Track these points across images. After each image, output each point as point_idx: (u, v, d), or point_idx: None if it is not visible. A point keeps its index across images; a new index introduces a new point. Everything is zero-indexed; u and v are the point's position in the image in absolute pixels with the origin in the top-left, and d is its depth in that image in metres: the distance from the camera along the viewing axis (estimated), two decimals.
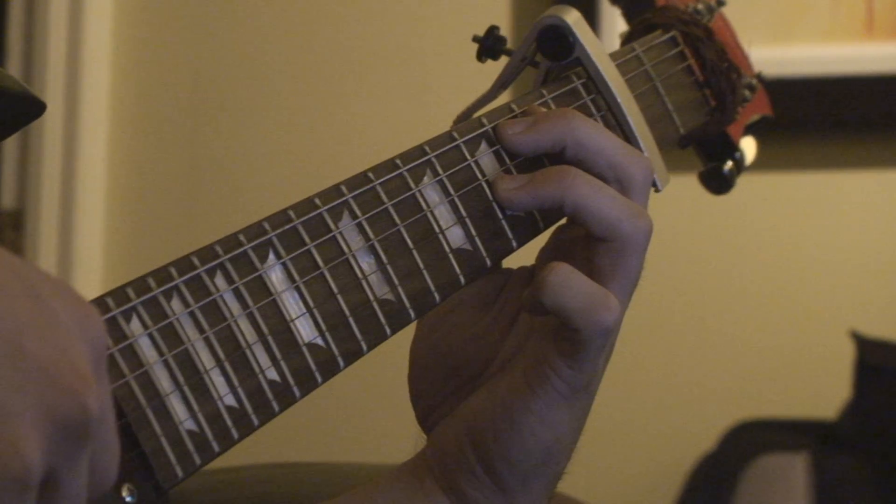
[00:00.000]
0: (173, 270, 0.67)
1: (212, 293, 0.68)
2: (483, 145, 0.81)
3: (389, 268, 0.75)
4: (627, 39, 0.97)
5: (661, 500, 2.11)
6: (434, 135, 0.80)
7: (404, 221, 0.77)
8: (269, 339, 0.70)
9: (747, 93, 1.00)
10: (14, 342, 0.52)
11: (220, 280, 0.68)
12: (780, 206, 2.24)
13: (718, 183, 1.01)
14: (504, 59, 0.89)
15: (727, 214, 2.22)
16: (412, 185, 0.78)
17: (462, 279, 0.79)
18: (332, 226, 0.74)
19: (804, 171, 2.24)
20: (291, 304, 0.71)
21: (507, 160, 0.82)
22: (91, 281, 2.38)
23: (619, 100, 0.87)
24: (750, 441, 2.00)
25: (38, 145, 2.40)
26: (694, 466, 2.05)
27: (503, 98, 0.88)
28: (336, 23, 2.41)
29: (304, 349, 0.71)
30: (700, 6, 0.99)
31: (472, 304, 0.86)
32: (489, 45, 0.89)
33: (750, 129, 1.03)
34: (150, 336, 0.65)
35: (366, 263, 0.75)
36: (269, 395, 0.69)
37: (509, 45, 0.90)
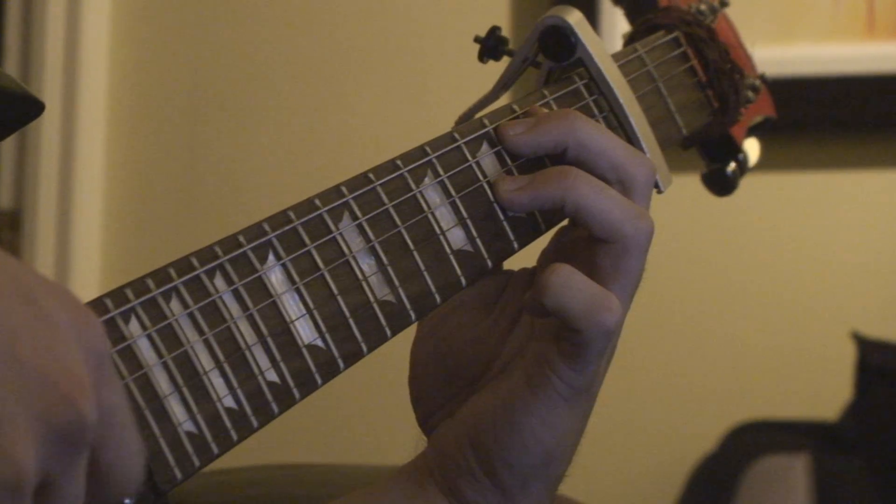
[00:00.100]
0: (172, 271, 0.67)
1: (211, 294, 0.68)
2: (484, 146, 0.81)
3: (390, 269, 0.75)
4: (630, 40, 0.96)
5: (662, 501, 2.11)
6: (435, 135, 0.80)
7: (405, 223, 0.77)
8: (269, 340, 0.69)
9: (750, 94, 1.00)
10: (9, 347, 0.52)
11: (219, 281, 0.68)
12: (781, 207, 2.24)
13: (721, 185, 1.01)
14: (505, 60, 0.89)
15: (727, 215, 2.22)
16: (413, 186, 0.77)
17: (463, 281, 0.79)
18: (333, 227, 0.74)
19: (805, 171, 2.24)
20: (291, 306, 0.71)
21: (509, 161, 0.82)
22: (89, 282, 2.37)
23: (621, 101, 0.87)
24: (750, 442, 2.00)
25: (36, 145, 2.40)
26: (694, 467, 2.05)
27: (504, 99, 0.88)
28: (335, 22, 2.41)
29: (304, 351, 0.71)
30: (703, 7, 0.99)
31: (473, 305, 0.85)
32: (491, 46, 0.89)
33: (753, 131, 1.02)
34: (149, 337, 0.65)
35: (366, 265, 0.74)
36: (269, 396, 0.69)
37: (510, 45, 0.90)
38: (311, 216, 0.73)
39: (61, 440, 0.53)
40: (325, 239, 0.73)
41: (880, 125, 2.22)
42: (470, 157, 0.80)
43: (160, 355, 0.65)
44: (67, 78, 2.40)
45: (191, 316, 0.66)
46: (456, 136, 0.80)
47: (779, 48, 2.19)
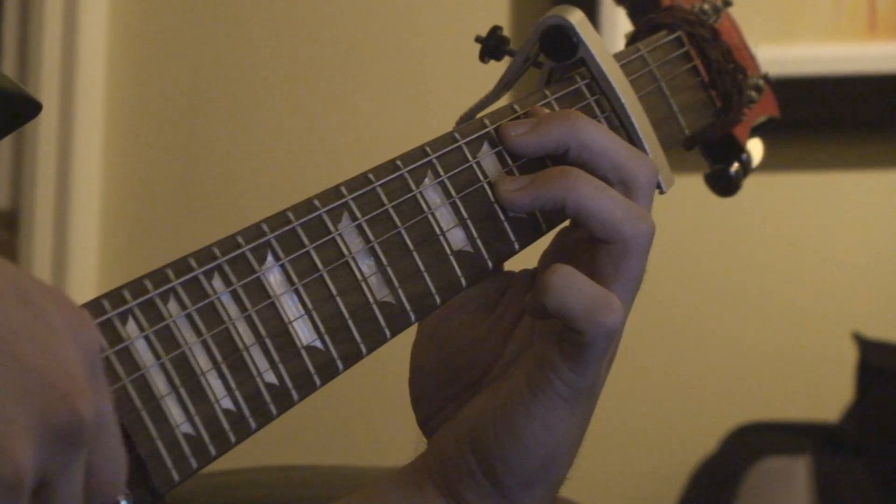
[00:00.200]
0: (170, 272, 0.66)
1: (209, 295, 0.67)
2: (485, 146, 0.81)
3: (389, 270, 0.75)
4: (632, 40, 0.96)
5: (663, 502, 2.11)
6: (434, 135, 0.80)
7: (405, 223, 0.76)
8: (267, 341, 0.69)
9: (753, 94, 0.99)
10: (6, 348, 0.52)
11: (217, 282, 0.68)
12: (782, 207, 2.23)
13: (725, 185, 1.01)
14: (506, 60, 0.89)
15: (728, 215, 2.22)
16: (413, 186, 0.77)
17: (463, 281, 0.78)
18: (332, 227, 0.73)
19: (806, 171, 2.24)
20: (290, 307, 0.71)
21: (510, 161, 0.81)
22: (86, 282, 2.37)
23: (623, 101, 0.87)
24: (751, 444, 1.99)
25: (33, 145, 2.39)
26: (695, 469, 2.04)
27: (505, 99, 0.87)
28: (335, 22, 2.41)
29: (303, 352, 0.71)
30: (706, 6, 0.99)
31: (473, 307, 0.85)
32: (492, 46, 0.89)
33: (757, 131, 1.02)
34: (147, 338, 0.64)
35: (365, 265, 0.74)
36: (267, 398, 0.69)
37: (511, 45, 0.89)
38: (310, 217, 0.73)
39: (59, 440, 0.53)
40: (324, 239, 0.73)
41: (882, 125, 2.22)
42: (470, 158, 0.80)
43: (158, 356, 0.65)
44: (65, 78, 2.40)
45: (189, 317, 0.66)
46: (456, 136, 0.80)
47: (780, 48, 2.19)
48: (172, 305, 0.66)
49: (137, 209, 2.45)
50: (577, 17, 0.85)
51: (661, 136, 0.89)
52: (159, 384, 0.64)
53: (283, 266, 0.71)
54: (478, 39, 0.89)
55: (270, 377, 0.69)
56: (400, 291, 0.75)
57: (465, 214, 0.79)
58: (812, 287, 2.21)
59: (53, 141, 2.39)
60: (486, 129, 0.81)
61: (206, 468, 0.67)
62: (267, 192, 2.37)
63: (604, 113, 0.87)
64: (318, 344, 0.71)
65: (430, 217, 0.77)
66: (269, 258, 0.70)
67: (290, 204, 0.73)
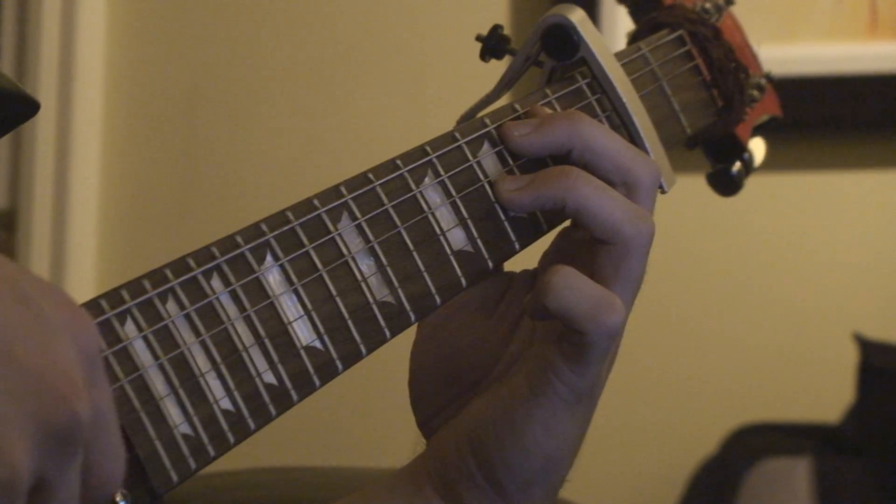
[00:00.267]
0: (169, 272, 0.66)
1: (208, 295, 0.67)
2: (485, 146, 0.80)
3: (389, 270, 0.75)
4: (634, 39, 0.96)
5: (663, 503, 2.10)
6: (434, 135, 0.80)
7: (405, 223, 0.76)
8: (267, 341, 0.69)
9: (756, 93, 0.99)
10: (3, 347, 0.52)
11: (216, 282, 0.68)
12: (783, 207, 2.23)
13: (727, 184, 1.01)
14: (507, 59, 0.89)
15: (728, 215, 2.22)
16: (413, 186, 0.77)
17: (463, 281, 0.78)
18: (332, 227, 0.73)
19: (807, 171, 2.24)
20: (289, 307, 0.70)
21: (510, 161, 0.81)
22: (84, 282, 2.37)
23: (624, 100, 0.86)
24: (752, 445, 1.99)
25: (31, 145, 2.39)
26: (696, 470, 2.04)
27: (506, 98, 0.87)
28: (334, 21, 2.41)
29: (302, 352, 0.70)
30: (708, 5, 0.98)
31: (473, 308, 0.85)
32: (493, 45, 0.89)
33: (759, 130, 1.02)
34: (145, 339, 0.64)
35: (365, 265, 0.74)
36: (266, 398, 0.69)
37: (511, 44, 0.89)
38: (309, 216, 0.72)
39: (56, 440, 0.53)
40: (323, 239, 0.73)
41: (882, 125, 2.21)
42: (471, 157, 0.80)
43: (156, 357, 0.64)
44: (63, 77, 2.40)
45: (187, 317, 0.66)
46: (457, 135, 0.80)
47: (780, 47, 2.18)
48: (171, 305, 0.66)
49: (136, 209, 2.44)
50: (578, 16, 0.85)
51: (662, 135, 0.89)
52: (158, 385, 0.64)
53: (282, 266, 0.70)
54: (479, 38, 0.89)
55: (269, 377, 0.69)
56: (400, 291, 0.75)
57: (465, 214, 0.78)
58: (813, 287, 2.20)
59: (51, 141, 2.38)
60: (487, 129, 0.81)
61: (205, 469, 0.66)
62: (266, 191, 2.37)
63: (605, 112, 0.87)
64: (318, 344, 0.71)
65: (430, 217, 0.77)
66: (269, 258, 0.70)
67: (290, 204, 0.73)
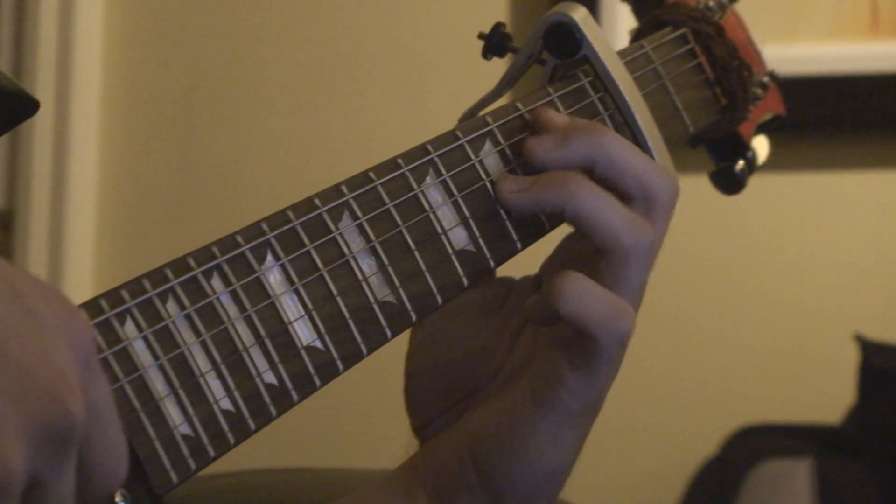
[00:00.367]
0: (169, 272, 0.66)
1: (208, 295, 0.67)
2: (487, 145, 0.80)
3: (390, 269, 0.75)
4: (636, 37, 0.96)
5: None
6: (436, 134, 0.79)
7: (406, 222, 0.76)
8: (267, 341, 0.69)
9: (759, 91, 0.99)
10: None
11: (216, 282, 0.68)
12: (783, 207, 2.23)
13: (730, 183, 1.00)
14: (509, 57, 0.88)
15: (728, 215, 2.22)
16: (414, 185, 0.77)
17: (465, 281, 0.78)
18: (332, 226, 0.73)
19: (808, 171, 2.24)
20: (290, 307, 0.70)
21: (512, 160, 0.80)
22: (82, 282, 2.36)
23: (626, 98, 0.86)
24: (753, 446, 1.99)
25: (29, 144, 2.39)
26: (696, 471, 2.04)
27: (507, 97, 0.87)
28: (333, 21, 2.40)
29: (303, 352, 0.70)
30: (711, 3, 0.98)
31: (473, 314, 0.84)
32: (495, 43, 0.88)
33: (762, 128, 1.01)
34: (145, 339, 0.64)
35: (366, 265, 0.74)
36: (267, 398, 0.68)
37: (513, 42, 0.89)
38: (310, 216, 0.72)
39: (50, 440, 0.52)
40: (324, 239, 0.72)
41: (883, 125, 2.21)
42: (473, 156, 0.79)
43: (156, 357, 0.64)
44: (60, 77, 2.39)
45: (188, 317, 0.66)
46: (458, 134, 0.80)
47: (781, 47, 2.18)
48: (171, 305, 0.65)
49: (134, 209, 2.44)
50: (580, 14, 0.85)
51: (664, 133, 0.88)
52: (158, 385, 0.64)
53: (282, 266, 0.70)
54: (481, 36, 0.88)
55: (270, 378, 0.69)
56: (401, 291, 0.75)
57: (466, 213, 0.78)
58: (813, 287, 2.20)
59: (49, 141, 2.38)
60: (489, 128, 0.81)
61: (204, 470, 0.66)
62: (265, 191, 2.37)
63: (607, 111, 0.87)
64: (318, 344, 0.71)
65: (431, 216, 0.77)
66: (269, 258, 0.70)
67: (290, 203, 0.72)
